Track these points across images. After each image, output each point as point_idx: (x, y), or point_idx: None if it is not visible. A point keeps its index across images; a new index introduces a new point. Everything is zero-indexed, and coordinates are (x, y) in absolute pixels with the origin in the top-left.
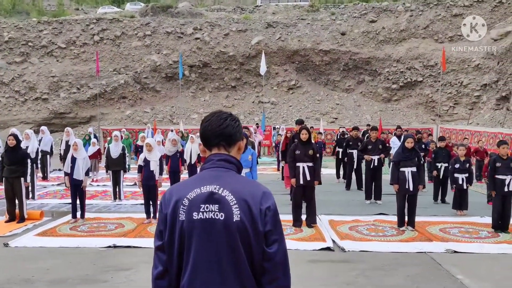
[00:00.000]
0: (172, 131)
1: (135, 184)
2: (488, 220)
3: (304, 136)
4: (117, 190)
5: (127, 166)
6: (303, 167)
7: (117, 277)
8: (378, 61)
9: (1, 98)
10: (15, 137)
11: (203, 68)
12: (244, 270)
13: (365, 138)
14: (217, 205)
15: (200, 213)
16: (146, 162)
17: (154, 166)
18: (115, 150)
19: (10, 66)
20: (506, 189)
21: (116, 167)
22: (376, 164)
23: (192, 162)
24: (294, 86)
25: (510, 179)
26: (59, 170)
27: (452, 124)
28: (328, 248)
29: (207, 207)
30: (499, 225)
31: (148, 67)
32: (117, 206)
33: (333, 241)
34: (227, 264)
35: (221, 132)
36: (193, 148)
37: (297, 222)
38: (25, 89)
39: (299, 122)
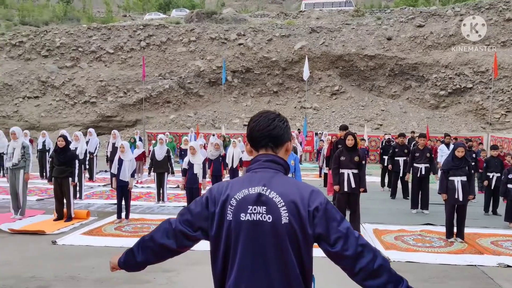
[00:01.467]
0: (214, 135)
1: (178, 186)
2: None
3: (350, 142)
4: (161, 192)
5: (171, 168)
6: (348, 174)
7: (159, 278)
8: (425, 66)
9: (52, 101)
10: (65, 138)
11: (246, 73)
12: (292, 273)
13: (412, 146)
14: (265, 207)
15: (248, 215)
16: (190, 165)
17: (197, 169)
18: (160, 152)
19: (61, 70)
20: None
21: (161, 169)
22: (423, 172)
23: (234, 166)
24: (338, 91)
25: None
26: (105, 171)
27: (504, 133)
28: None
29: (254, 209)
30: None
31: (192, 72)
32: (160, 208)
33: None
34: (274, 267)
35: (268, 133)
36: (235, 152)
37: None
38: (74, 93)
39: (343, 128)
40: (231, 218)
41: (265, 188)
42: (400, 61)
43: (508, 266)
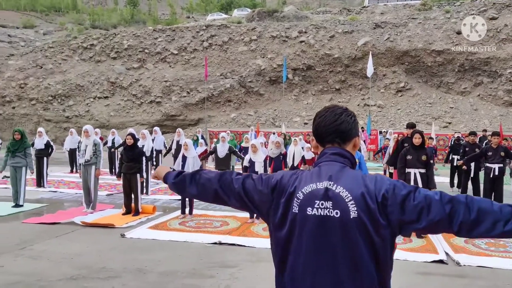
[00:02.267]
0: (274, 133)
1: None
2: None
3: (417, 140)
4: None
5: (231, 166)
6: (415, 173)
7: (222, 273)
8: (499, 61)
9: (120, 101)
10: (133, 136)
11: (307, 71)
12: (363, 268)
13: (483, 144)
14: (331, 202)
15: (315, 209)
16: (251, 163)
17: (258, 167)
18: (222, 150)
19: (129, 71)
20: None
21: (222, 166)
22: (496, 173)
23: (295, 165)
24: (403, 88)
25: None
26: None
27: None
28: (440, 261)
29: (321, 204)
30: None
31: (253, 71)
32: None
33: (446, 254)
34: (342, 264)
35: (335, 129)
36: (296, 150)
37: None
38: (141, 93)
39: (411, 125)
40: (296, 211)
41: (332, 182)
42: (470, 56)
43: None
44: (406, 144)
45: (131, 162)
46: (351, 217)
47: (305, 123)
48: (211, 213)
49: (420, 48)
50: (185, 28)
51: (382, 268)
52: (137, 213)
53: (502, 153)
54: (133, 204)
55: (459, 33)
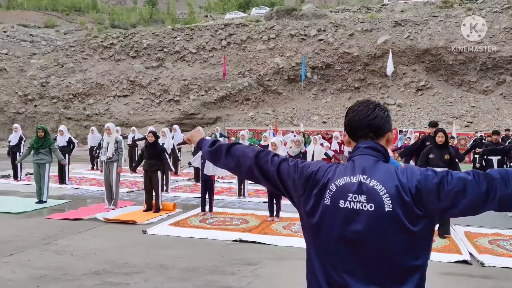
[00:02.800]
0: (292, 132)
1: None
2: None
3: (440, 139)
4: (242, 187)
5: None
6: None
7: (243, 270)
8: None
9: (140, 100)
10: (154, 134)
11: (326, 69)
12: (396, 259)
13: (507, 143)
14: (365, 196)
15: (347, 202)
16: None
17: None
18: None
19: (148, 70)
20: None
21: None
22: None
23: None
24: (424, 87)
25: None
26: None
27: None
28: (465, 261)
29: (355, 197)
30: None
31: (271, 70)
32: (241, 203)
33: (470, 254)
34: (374, 254)
35: (369, 124)
36: (316, 149)
37: None
38: (160, 92)
39: (433, 124)
40: (328, 203)
41: (366, 176)
42: (493, 54)
43: None
44: (428, 143)
45: (152, 160)
46: (386, 210)
47: (324, 122)
48: (230, 211)
49: (441, 46)
50: (203, 27)
51: (420, 257)
52: (157, 210)
53: None
54: (153, 201)
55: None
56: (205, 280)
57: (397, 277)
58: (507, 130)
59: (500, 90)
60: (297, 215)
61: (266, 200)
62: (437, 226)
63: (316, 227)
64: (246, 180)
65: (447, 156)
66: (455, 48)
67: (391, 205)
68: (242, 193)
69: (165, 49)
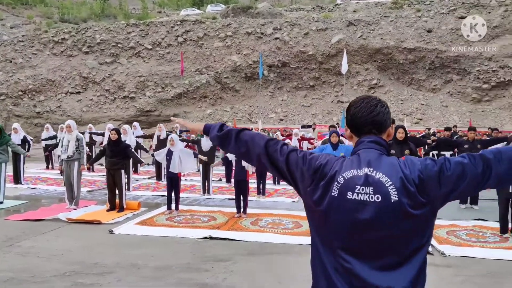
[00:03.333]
0: (252, 130)
1: (220, 180)
2: None
3: (401, 135)
4: (207, 184)
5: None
6: None
7: (217, 267)
8: (467, 59)
9: (93, 96)
10: (117, 131)
11: (282, 67)
12: (403, 249)
13: (455, 138)
14: (372, 188)
15: (355, 194)
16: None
17: (245, 162)
18: (207, 144)
19: (101, 66)
20: None
21: (207, 160)
22: None
23: None
24: (376, 85)
25: None
26: (148, 164)
27: None
28: (427, 252)
29: (362, 189)
30: None
31: (228, 67)
32: (206, 200)
33: (431, 245)
34: (384, 245)
35: (372, 120)
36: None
37: None
38: (114, 88)
39: (391, 121)
40: (336, 195)
41: (371, 169)
42: (441, 53)
43: None
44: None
45: (115, 158)
46: (392, 201)
47: (281, 119)
48: (197, 209)
49: (392, 46)
50: (159, 23)
51: (425, 236)
52: (121, 209)
53: (479, 146)
54: (117, 200)
55: (429, 31)
56: (179, 278)
57: (403, 257)
58: (455, 126)
59: (447, 88)
60: (263, 211)
61: (231, 197)
62: None
63: (324, 215)
64: (210, 178)
65: (407, 152)
66: (405, 48)
67: (396, 196)
68: (206, 191)
69: (119, 45)
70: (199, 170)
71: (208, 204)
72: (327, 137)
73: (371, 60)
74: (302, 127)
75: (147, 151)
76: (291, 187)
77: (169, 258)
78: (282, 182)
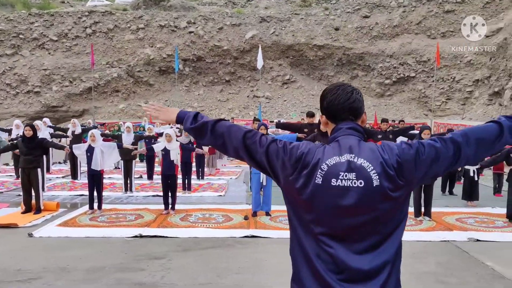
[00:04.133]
0: (169, 124)
1: (140, 176)
2: (500, 210)
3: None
4: (129, 182)
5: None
6: None
7: (152, 265)
8: (371, 56)
9: None
10: (32, 127)
11: (197, 62)
12: (383, 229)
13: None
14: (355, 173)
15: (339, 180)
16: (166, 151)
17: (174, 156)
18: (128, 139)
19: (1, 58)
20: None
21: (128, 156)
22: None
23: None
24: (289, 81)
25: None
26: (59, 163)
27: (445, 119)
28: None
29: (345, 175)
30: None
31: (141, 61)
32: (129, 198)
33: None
34: (367, 227)
35: (350, 107)
36: None
37: None
38: (16, 82)
39: (311, 114)
40: (320, 182)
41: (353, 155)
42: (347, 51)
43: (478, 240)
44: (306, 129)
45: (30, 155)
46: (374, 185)
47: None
48: (121, 207)
49: (303, 42)
50: (65, 13)
51: (402, 212)
52: (38, 211)
53: (391, 136)
54: (33, 201)
55: (337, 29)
56: (115, 278)
57: (384, 236)
58: None
59: (354, 84)
60: (191, 207)
61: (155, 194)
62: None
63: (307, 203)
64: (133, 175)
65: None
66: (315, 45)
67: (378, 180)
68: (129, 188)
69: (21, 36)
70: (117, 168)
71: (132, 202)
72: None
73: (284, 56)
74: None
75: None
76: (216, 182)
77: (100, 259)
78: (206, 177)
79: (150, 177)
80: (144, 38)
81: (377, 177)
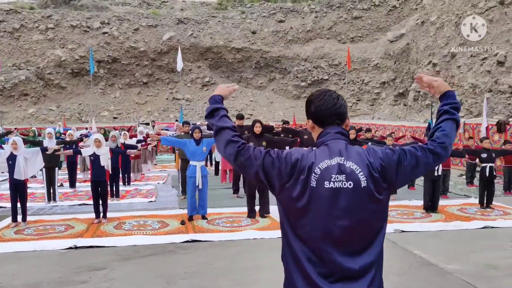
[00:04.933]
0: (86, 129)
1: (61, 185)
2: (416, 202)
3: (257, 129)
4: (52, 191)
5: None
6: None
7: (95, 277)
8: (287, 59)
9: None
10: None
11: (112, 63)
12: (369, 227)
13: None
14: (344, 175)
15: (331, 183)
16: (95, 156)
17: (104, 161)
18: (50, 145)
19: None
20: (435, 174)
21: (50, 164)
22: None
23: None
24: (208, 83)
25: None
26: None
27: (356, 119)
28: None
29: (337, 177)
30: (429, 207)
31: (52, 62)
32: (54, 208)
33: None
34: (354, 222)
35: (336, 112)
36: (126, 143)
37: (251, 213)
38: None
39: (241, 117)
40: (314, 185)
41: (343, 158)
42: (264, 54)
43: (403, 231)
44: (246, 132)
45: None
46: (362, 186)
47: (115, 118)
48: (47, 218)
49: (221, 45)
50: None
51: (384, 218)
52: None
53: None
54: None
55: (254, 32)
56: None
57: (371, 238)
58: (283, 121)
59: (272, 86)
60: (123, 214)
61: (81, 202)
62: (258, 207)
63: (302, 210)
64: (56, 183)
65: (264, 143)
66: (233, 48)
67: (366, 182)
68: (52, 198)
69: None
70: (33, 176)
71: (57, 212)
72: (171, 132)
73: (203, 58)
74: (141, 124)
75: None
76: (143, 187)
77: (34, 275)
78: (132, 183)
79: (72, 185)
80: (55, 39)
81: (365, 179)
